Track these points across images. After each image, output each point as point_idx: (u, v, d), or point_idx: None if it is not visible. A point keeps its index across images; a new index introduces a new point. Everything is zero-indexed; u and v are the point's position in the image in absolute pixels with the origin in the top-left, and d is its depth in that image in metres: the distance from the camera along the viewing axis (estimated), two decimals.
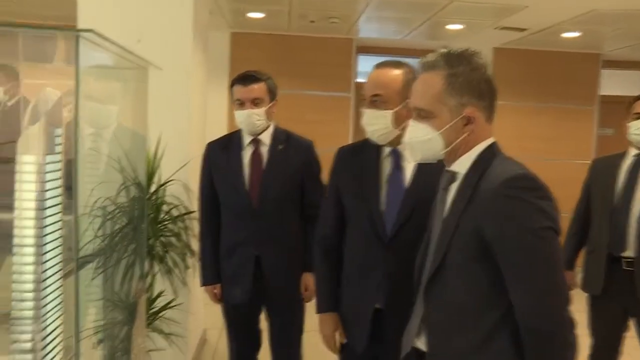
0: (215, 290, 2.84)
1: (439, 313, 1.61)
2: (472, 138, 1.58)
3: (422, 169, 1.99)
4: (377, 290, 2.04)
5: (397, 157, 2.07)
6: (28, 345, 1.55)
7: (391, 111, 2.00)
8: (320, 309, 2.25)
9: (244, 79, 2.67)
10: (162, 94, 3.02)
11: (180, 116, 3.56)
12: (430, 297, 1.63)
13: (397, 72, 2.02)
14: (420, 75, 1.64)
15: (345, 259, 2.19)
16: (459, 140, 1.58)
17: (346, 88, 6.64)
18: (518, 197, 1.46)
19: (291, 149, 2.75)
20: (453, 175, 1.63)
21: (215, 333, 4.64)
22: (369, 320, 2.05)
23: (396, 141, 2.04)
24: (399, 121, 1.98)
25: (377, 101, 2.02)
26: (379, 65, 2.08)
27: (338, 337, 2.22)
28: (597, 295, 2.98)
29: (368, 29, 6.15)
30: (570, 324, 1.45)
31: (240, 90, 2.66)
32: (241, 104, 2.67)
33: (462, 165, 1.61)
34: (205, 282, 2.86)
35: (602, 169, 3.08)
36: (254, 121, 2.66)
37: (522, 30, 5.62)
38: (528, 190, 1.47)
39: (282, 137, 2.77)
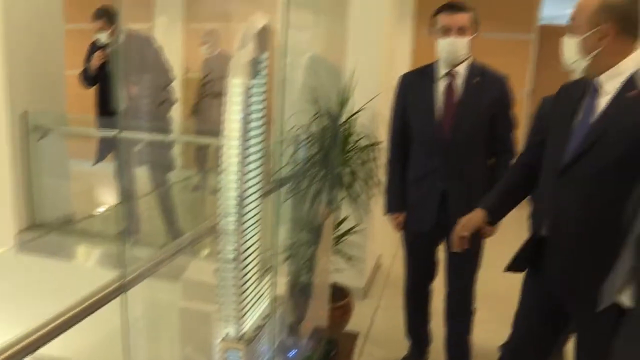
0: (399, 219, 2.70)
1: None
2: None
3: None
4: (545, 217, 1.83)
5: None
6: (231, 255, 1.54)
7: None
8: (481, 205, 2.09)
9: (451, 7, 2.42)
10: (357, 27, 2.86)
11: (373, 49, 3.39)
12: None
13: None
14: None
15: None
16: None
17: (528, 30, 6.03)
18: None
19: (486, 82, 2.46)
20: None
21: (388, 259, 4.59)
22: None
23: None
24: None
25: None
26: None
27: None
28: None
29: None
30: None
31: (447, 18, 2.41)
32: (446, 32, 2.41)
33: None
34: (390, 210, 2.72)
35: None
36: (458, 49, 2.41)
37: None
38: None
39: (477, 71, 2.48)
